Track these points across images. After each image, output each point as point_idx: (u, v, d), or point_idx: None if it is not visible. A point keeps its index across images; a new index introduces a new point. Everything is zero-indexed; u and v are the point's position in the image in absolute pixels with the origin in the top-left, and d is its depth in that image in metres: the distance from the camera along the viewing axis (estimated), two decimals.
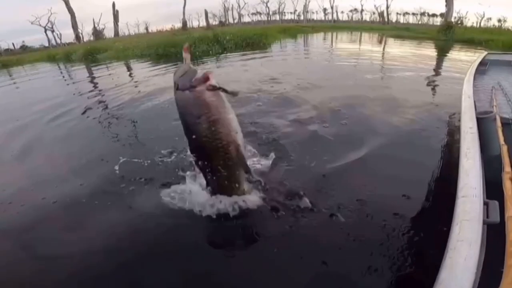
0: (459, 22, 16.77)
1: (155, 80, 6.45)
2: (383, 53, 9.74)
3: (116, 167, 2.28)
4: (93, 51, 13.67)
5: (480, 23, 27.57)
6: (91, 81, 7.73)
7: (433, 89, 4.56)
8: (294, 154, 2.33)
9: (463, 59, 7.71)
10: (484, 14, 28.36)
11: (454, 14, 18.74)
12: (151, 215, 1.75)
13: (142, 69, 8.76)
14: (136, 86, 6.12)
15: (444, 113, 3.12)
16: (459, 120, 1.70)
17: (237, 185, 1.59)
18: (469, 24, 26.21)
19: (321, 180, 1.95)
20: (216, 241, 1.60)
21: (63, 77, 9.82)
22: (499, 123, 1.48)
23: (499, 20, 26.04)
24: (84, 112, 4.37)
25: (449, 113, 3.08)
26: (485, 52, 3.66)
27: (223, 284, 1.33)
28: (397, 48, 11.10)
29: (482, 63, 3.18)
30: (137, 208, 1.84)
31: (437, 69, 6.57)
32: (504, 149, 1.22)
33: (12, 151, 3.07)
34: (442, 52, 9.98)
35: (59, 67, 12.53)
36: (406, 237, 1.43)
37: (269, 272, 1.36)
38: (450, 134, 2.61)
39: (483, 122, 1.57)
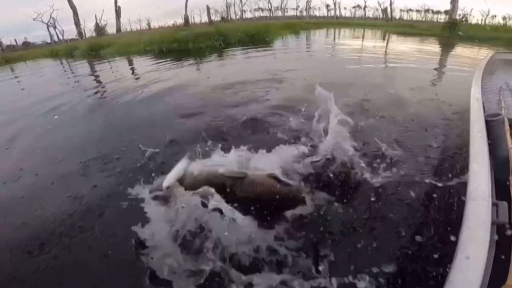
0: (463, 19, 16.59)
1: (157, 76, 6.46)
2: (386, 50, 9.69)
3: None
4: (96, 47, 13.67)
5: (485, 21, 27.29)
6: (93, 77, 7.73)
7: (440, 86, 4.49)
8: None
9: (469, 57, 7.67)
10: (489, 12, 28.07)
11: (459, 11, 18.59)
12: None
13: (146, 65, 8.75)
14: (137, 81, 6.13)
15: (452, 113, 3.06)
16: (468, 122, 1.69)
17: None
18: (473, 21, 26.00)
19: (328, 179, 1.94)
20: None
21: (65, 72, 9.84)
22: (507, 126, 1.49)
23: (504, 18, 25.74)
24: (80, 108, 4.37)
25: (457, 113, 3.03)
26: (493, 52, 3.63)
27: None
28: (401, 45, 11.02)
29: (490, 63, 3.16)
30: None
31: (443, 67, 6.53)
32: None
33: None
34: (447, 50, 9.92)
35: (61, 63, 12.56)
36: (417, 239, 1.45)
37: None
38: (459, 135, 2.58)
39: (491, 125, 1.58)
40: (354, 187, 1.88)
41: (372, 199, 1.74)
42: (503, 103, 1.86)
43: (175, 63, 8.28)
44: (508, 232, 0.88)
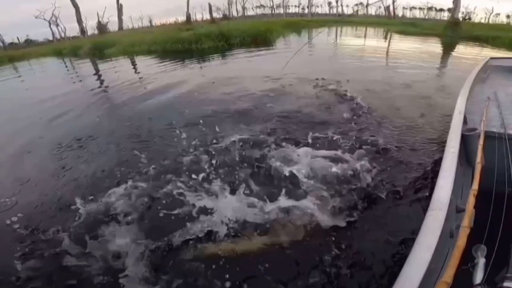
0: (467, 17, 16.52)
1: (163, 77, 6.57)
2: (387, 51, 9.75)
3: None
4: (100, 46, 13.69)
5: (488, 19, 27.09)
6: (99, 78, 7.84)
7: (434, 91, 4.56)
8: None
9: (469, 58, 7.73)
10: (492, 10, 27.88)
11: (462, 9, 18.50)
12: None
13: (150, 66, 8.81)
14: (142, 84, 6.24)
15: (442, 121, 3.14)
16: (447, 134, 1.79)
17: None
18: (477, 19, 25.84)
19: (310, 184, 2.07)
20: None
21: (70, 72, 9.95)
22: (481, 141, 1.60)
23: (508, 16, 25.59)
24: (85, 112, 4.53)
25: (446, 121, 3.09)
26: (488, 58, 3.62)
27: None
28: (402, 45, 11.05)
29: (483, 69, 3.16)
30: None
31: (441, 69, 6.62)
32: (478, 167, 1.38)
33: None
34: (447, 50, 9.97)
35: (65, 62, 12.64)
36: (385, 241, 1.63)
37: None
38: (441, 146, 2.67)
39: (468, 139, 1.70)
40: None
41: (351, 207, 1.87)
42: (485, 115, 1.92)
43: (180, 64, 8.39)
44: (460, 235, 1.00)
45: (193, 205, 1.93)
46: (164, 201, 2.03)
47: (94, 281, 1.52)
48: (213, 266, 1.53)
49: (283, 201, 1.88)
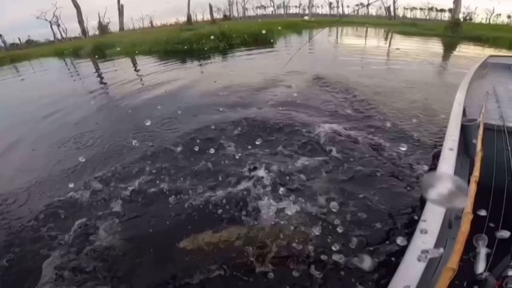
0: (467, 18, 16.48)
1: (162, 76, 6.57)
2: (388, 51, 9.75)
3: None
4: (101, 47, 13.70)
5: (489, 19, 27.07)
6: (99, 78, 7.86)
7: (434, 88, 4.57)
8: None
9: (469, 58, 7.72)
10: (493, 10, 27.84)
11: (463, 10, 18.48)
12: None
13: (152, 66, 8.80)
14: (142, 81, 6.27)
15: (443, 115, 3.16)
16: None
17: None
18: (478, 20, 25.82)
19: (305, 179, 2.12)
20: None
21: (71, 72, 9.97)
22: (481, 131, 1.61)
23: (509, 16, 25.55)
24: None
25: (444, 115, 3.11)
26: (487, 55, 3.62)
27: None
28: (402, 45, 11.05)
29: (482, 66, 3.20)
30: None
31: (442, 69, 6.63)
32: (479, 155, 1.38)
33: None
34: (448, 51, 9.98)
35: (66, 63, 12.66)
36: (384, 227, 1.67)
37: None
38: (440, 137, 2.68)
39: (467, 129, 1.72)
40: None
41: (356, 195, 1.91)
42: (484, 108, 1.95)
43: (181, 64, 8.40)
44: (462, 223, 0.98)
45: (195, 197, 1.95)
46: (164, 195, 2.04)
47: (88, 273, 1.55)
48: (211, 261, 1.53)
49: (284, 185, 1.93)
